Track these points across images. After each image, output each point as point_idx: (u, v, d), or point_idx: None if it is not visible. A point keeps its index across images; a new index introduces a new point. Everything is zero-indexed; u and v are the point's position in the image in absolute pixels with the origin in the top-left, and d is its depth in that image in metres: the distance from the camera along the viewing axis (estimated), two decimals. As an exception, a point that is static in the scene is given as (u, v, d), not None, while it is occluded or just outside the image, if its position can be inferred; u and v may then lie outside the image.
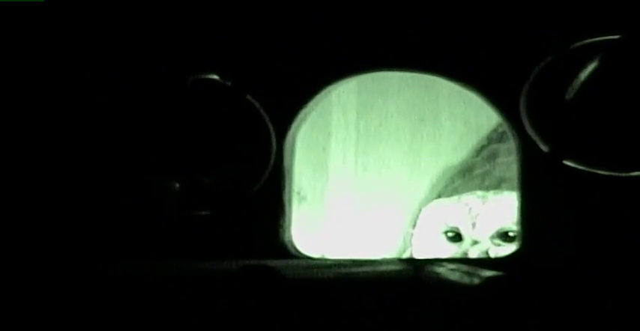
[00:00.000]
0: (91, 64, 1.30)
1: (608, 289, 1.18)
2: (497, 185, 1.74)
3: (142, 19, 1.30)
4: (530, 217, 1.26)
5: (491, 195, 1.69)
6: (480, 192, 1.71)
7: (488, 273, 1.07)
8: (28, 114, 1.30)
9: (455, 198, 1.72)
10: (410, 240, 1.75)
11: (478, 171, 1.78)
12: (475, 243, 1.66)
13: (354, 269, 1.20)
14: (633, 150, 1.23)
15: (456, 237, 1.68)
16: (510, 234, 1.64)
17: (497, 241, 1.65)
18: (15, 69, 1.30)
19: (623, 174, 1.23)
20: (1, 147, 1.29)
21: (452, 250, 1.68)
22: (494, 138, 1.79)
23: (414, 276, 1.18)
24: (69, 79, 1.30)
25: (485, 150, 1.80)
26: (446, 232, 1.69)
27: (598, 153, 1.24)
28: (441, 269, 1.17)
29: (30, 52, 1.30)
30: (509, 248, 1.59)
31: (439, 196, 1.79)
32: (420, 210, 1.76)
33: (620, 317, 1.15)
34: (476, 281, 1.06)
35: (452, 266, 1.17)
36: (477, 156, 1.81)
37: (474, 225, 1.67)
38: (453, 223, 1.69)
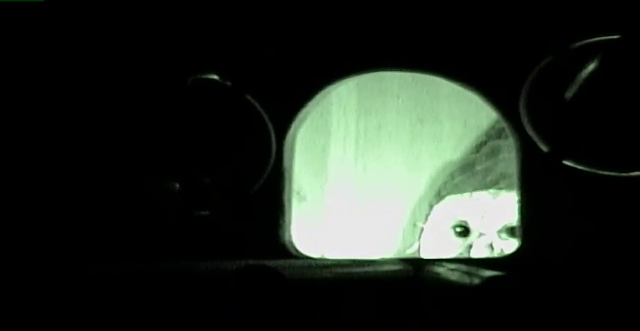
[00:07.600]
0: (90, 64, 1.30)
1: (608, 290, 1.18)
2: (499, 181, 1.74)
3: (141, 19, 1.30)
4: (530, 218, 1.26)
5: (503, 192, 1.70)
6: (492, 190, 1.71)
7: (488, 273, 1.07)
8: (28, 115, 1.30)
9: (467, 194, 1.73)
10: (419, 235, 1.75)
11: (479, 168, 1.78)
12: (481, 235, 1.67)
13: (354, 269, 1.20)
14: (633, 150, 1.23)
15: (464, 232, 1.69)
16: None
17: (504, 235, 1.66)
18: (15, 69, 1.30)
19: (623, 174, 1.23)
20: (1, 148, 1.29)
21: (458, 244, 1.68)
22: (493, 134, 1.79)
23: (414, 276, 1.18)
24: (69, 79, 1.30)
25: (486, 147, 1.80)
26: (454, 227, 1.70)
27: (598, 153, 1.24)
28: (441, 269, 1.17)
29: (30, 52, 1.30)
30: (514, 243, 1.59)
31: (439, 193, 1.79)
32: (430, 207, 1.76)
33: (620, 317, 1.15)
34: (476, 281, 1.06)
35: (452, 266, 1.17)
36: (476, 152, 1.81)
37: (482, 217, 1.68)
38: (462, 217, 1.70)
